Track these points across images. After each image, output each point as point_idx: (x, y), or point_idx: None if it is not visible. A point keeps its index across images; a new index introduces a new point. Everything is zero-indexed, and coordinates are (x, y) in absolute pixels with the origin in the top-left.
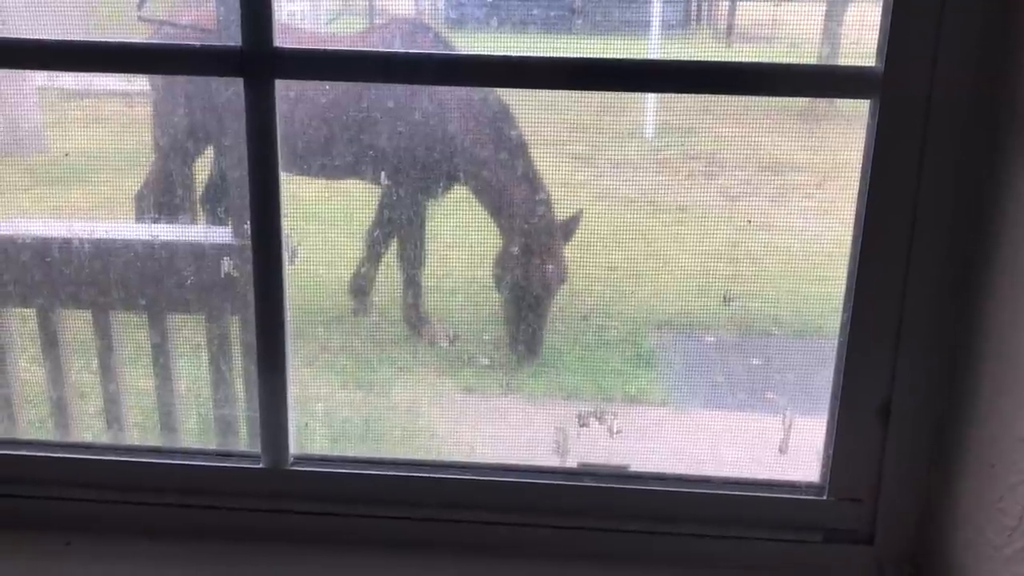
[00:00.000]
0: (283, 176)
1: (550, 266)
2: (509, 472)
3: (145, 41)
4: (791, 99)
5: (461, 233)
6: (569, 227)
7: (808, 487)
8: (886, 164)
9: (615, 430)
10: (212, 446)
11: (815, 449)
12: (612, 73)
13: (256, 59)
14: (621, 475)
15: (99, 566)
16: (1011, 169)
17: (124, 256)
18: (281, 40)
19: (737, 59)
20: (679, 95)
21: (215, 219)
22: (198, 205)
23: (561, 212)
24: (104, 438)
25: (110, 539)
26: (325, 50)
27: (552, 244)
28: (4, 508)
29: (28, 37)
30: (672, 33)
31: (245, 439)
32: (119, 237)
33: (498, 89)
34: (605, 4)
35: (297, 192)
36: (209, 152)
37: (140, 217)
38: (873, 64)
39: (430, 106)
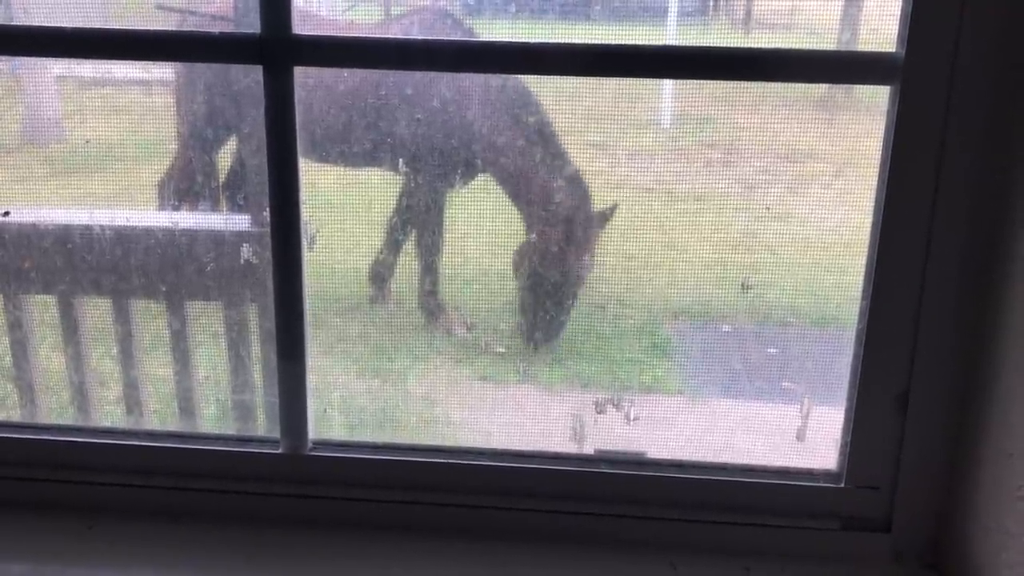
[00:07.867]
0: (302, 163)
1: (586, 256)
2: (526, 458)
3: (164, 28)
4: (809, 88)
5: (480, 221)
6: (604, 217)
7: (825, 475)
8: (906, 150)
9: (632, 417)
10: (231, 432)
11: (833, 437)
12: (630, 59)
13: (275, 46)
14: (638, 462)
15: (121, 549)
16: None
17: (144, 243)
18: (299, 27)
19: (756, 45)
20: (696, 84)
21: (234, 206)
22: (220, 192)
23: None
24: (125, 424)
25: (131, 523)
26: (343, 37)
27: (586, 232)
28: (27, 492)
29: (47, 25)
30: (690, 20)
31: (264, 425)
32: (139, 224)
33: (518, 75)
34: None
35: (316, 180)
36: (232, 140)
37: (163, 205)
38: (894, 50)
39: (448, 93)
